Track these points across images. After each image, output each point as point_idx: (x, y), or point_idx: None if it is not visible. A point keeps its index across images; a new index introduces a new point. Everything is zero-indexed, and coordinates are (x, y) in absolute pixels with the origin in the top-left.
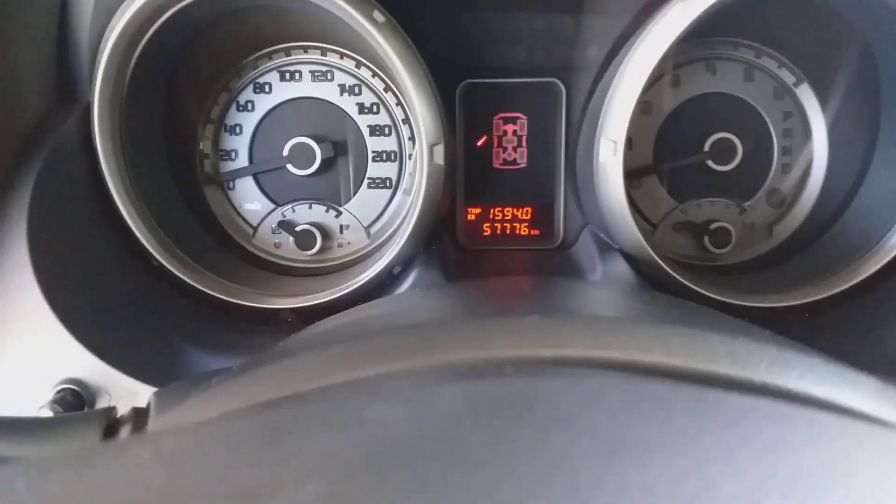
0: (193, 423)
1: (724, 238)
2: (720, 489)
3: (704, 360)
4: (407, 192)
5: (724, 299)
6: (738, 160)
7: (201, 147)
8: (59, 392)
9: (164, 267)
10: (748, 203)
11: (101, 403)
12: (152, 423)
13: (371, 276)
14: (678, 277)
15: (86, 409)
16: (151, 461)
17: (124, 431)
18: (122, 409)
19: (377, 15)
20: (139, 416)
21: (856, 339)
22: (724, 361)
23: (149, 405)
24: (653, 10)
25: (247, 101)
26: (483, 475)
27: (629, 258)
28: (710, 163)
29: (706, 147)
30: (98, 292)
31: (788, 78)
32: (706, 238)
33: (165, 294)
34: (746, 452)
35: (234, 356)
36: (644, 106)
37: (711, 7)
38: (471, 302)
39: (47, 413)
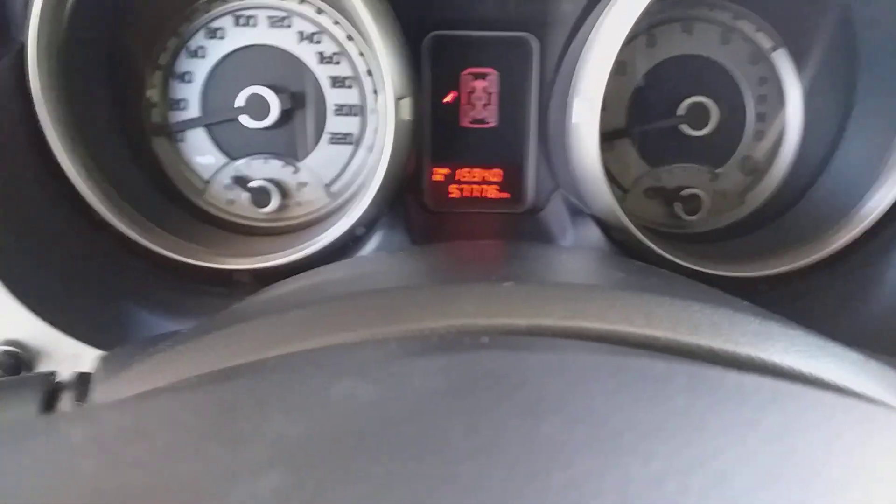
0: (134, 398)
1: (695, 205)
2: (732, 481)
3: (687, 330)
4: (370, 150)
5: (695, 268)
6: (712, 125)
7: (149, 95)
8: None
9: (110, 223)
10: (720, 169)
11: (42, 367)
12: (96, 391)
13: (333, 237)
14: (650, 245)
15: (23, 374)
16: (84, 443)
17: (65, 399)
18: (65, 374)
19: None
20: (82, 383)
21: (828, 310)
22: (707, 332)
23: (92, 370)
24: None
25: (198, 48)
26: (467, 466)
27: (600, 223)
28: (684, 127)
29: (680, 111)
30: (37, 248)
31: (765, 42)
32: (677, 204)
33: (111, 252)
34: (754, 437)
35: (186, 319)
36: (619, 66)
37: None
38: (440, 266)
39: None
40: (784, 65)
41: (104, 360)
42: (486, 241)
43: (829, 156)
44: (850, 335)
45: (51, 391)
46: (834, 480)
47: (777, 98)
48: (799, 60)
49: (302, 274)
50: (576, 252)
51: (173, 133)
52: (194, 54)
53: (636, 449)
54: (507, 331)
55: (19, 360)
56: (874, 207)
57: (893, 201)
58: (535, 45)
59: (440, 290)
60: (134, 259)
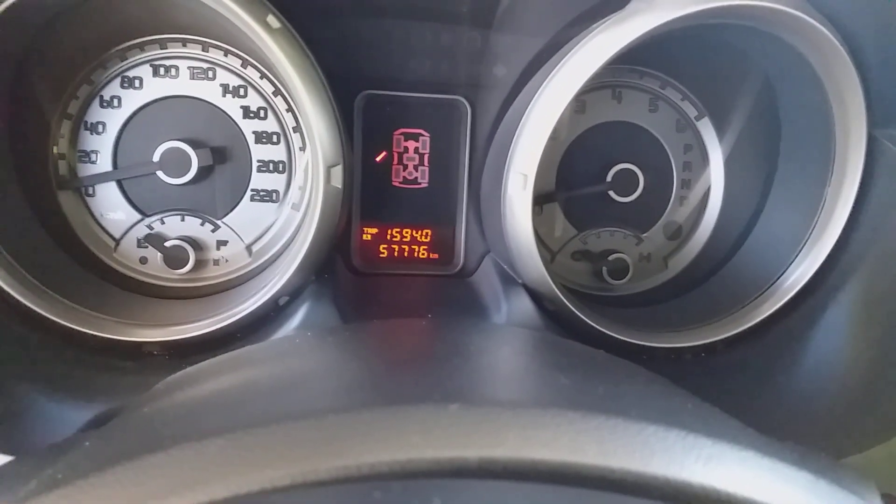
0: None
1: (621, 269)
2: None
3: (641, 460)
4: (295, 208)
5: (627, 339)
6: (639, 192)
7: (56, 146)
8: None
9: (4, 290)
10: (645, 234)
11: None
12: None
13: (253, 307)
14: (582, 317)
15: None
16: None
17: None
18: None
19: (271, 20)
20: None
21: (752, 382)
22: (660, 460)
23: None
24: (568, 36)
25: (112, 97)
26: None
27: (532, 294)
28: (611, 193)
29: (609, 177)
30: None
31: (690, 111)
32: (604, 269)
33: (6, 324)
34: None
35: (91, 400)
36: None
37: (631, 43)
38: (373, 364)
39: None
40: (708, 132)
41: None
42: (418, 319)
43: (750, 224)
44: (773, 411)
45: None
46: None
47: (701, 164)
48: (722, 129)
49: (220, 363)
50: (512, 337)
51: (82, 187)
52: (108, 104)
53: None
54: (456, 468)
55: None
56: (797, 280)
57: (814, 274)
58: (467, 107)
59: (381, 413)
60: (32, 332)
